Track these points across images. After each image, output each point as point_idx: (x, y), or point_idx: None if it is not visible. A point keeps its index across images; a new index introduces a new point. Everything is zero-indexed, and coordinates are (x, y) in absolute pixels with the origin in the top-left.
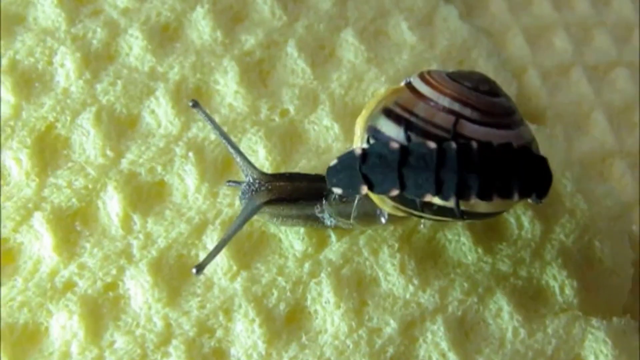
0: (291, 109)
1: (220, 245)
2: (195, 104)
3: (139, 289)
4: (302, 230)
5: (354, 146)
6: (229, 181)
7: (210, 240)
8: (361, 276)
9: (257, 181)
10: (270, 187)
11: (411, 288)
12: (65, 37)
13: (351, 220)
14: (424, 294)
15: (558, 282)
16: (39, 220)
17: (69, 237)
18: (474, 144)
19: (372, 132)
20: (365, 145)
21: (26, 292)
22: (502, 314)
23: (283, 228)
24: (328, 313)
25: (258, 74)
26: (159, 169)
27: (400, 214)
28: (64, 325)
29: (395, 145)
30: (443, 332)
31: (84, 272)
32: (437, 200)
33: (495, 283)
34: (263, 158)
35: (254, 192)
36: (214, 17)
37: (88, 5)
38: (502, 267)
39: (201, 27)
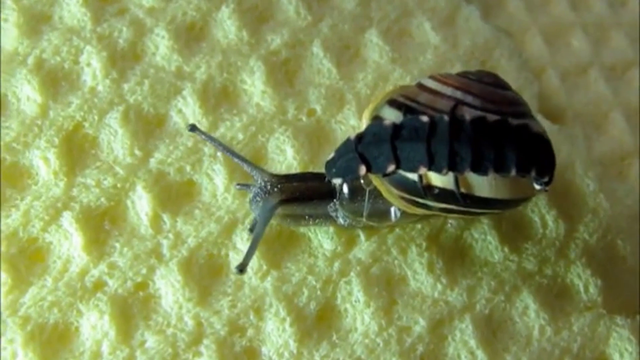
0: (318, 108)
1: (253, 246)
2: (193, 128)
3: (169, 289)
4: (331, 229)
5: None
6: (238, 184)
7: (240, 239)
8: (390, 275)
9: (268, 183)
10: (282, 187)
11: (439, 287)
12: (91, 36)
13: (363, 219)
14: (452, 292)
15: (582, 280)
16: (68, 219)
17: (98, 236)
18: (467, 117)
19: (375, 120)
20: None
21: (56, 291)
22: (529, 312)
23: (312, 228)
24: (358, 312)
25: (284, 74)
26: (188, 168)
27: (409, 209)
28: (94, 325)
29: (388, 122)
30: (471, 330)
31: (114, 272)
32: (435, 181)
33: (522, 282)
34: (291, 157)
35: (266, 195)
36: (239, 17)
37: (113, 5)
38: (528, 266)
39: (227, 26)
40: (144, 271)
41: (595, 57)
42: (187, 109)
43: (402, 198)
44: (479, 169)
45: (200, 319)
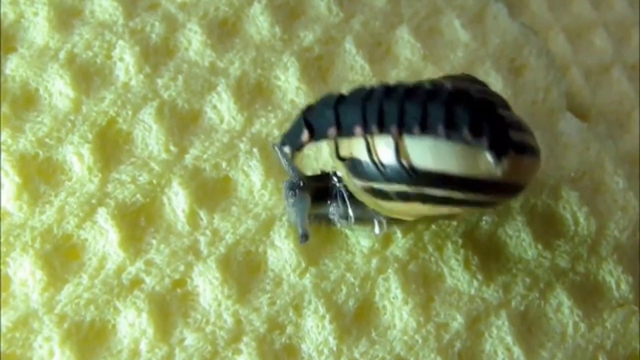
0: None
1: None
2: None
3: (208, 286)
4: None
5: None
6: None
7: (278, 236)
8: (427, 272)
9: (301, 181)
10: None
11: (475, 283)
12: (124, 30)
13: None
14: (487, 289)
15: (614, 277)
16: (103, 216)
17: (134, 233)
18: (405, 83)
19: None
20: None
21: (92, 289)
22: (563, 309)
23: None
24: (396, 308)
25: (318, 70)
26: (224, 164)
27: (378, 207)
28: (132, 323)
29: (336, 93)
30: (507, 326)
31: (151, 269)
32: (382, 156)
33: (555, 278)
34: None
35: (300, 190)
36: (271, 13)
37: None
38: (561, 263)
39: (259, 22)
40: (181, 268)
41: (617, 56)
42: (222, 104)
43: (364, 190)
44: (405, 127)
45: (239, 316)
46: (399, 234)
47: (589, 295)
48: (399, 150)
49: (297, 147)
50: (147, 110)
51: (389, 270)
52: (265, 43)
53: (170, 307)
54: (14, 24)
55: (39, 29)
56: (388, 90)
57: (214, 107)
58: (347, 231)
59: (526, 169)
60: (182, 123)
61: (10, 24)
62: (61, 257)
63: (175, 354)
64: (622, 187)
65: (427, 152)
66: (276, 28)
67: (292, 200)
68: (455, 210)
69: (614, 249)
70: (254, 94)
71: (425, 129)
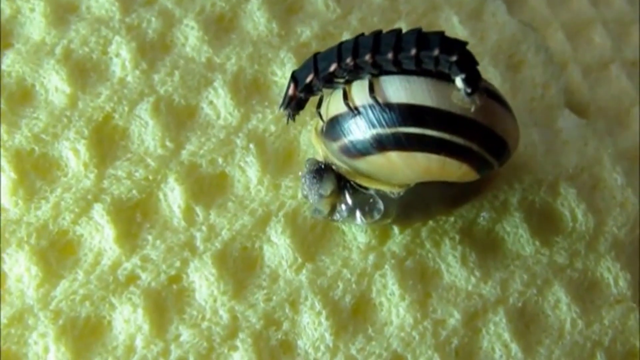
0: None
1: None
2: None
3: (203, 282)
4: None
5: None
6: None
7: (274, 232)
8: (424, 268)
9: (323, 164)
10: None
11: (473, 280)
12: (120, 26)
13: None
14: (485, 285)
15: (612, 274)
16: (99, 212)
17: (130, 229)
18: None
19: None
20: None
21: (88, 285)
22: (561, 306)
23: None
24: (393, 305)
25: None
26: (220, 160)
27: (357, 175)
28: (127, 319)
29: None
30: (505, 323)
31: (147, 265)
32: (357, 100)
33: (553, 275)
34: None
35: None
36: (268, 8)
37: None
38: (559, 259)
39: (256, 18)
40: (177, 264)
41: (616, 53)
42: (219, 100)
43: (342, 152)
44: (379, 52)
45: (235, 312)
46: (396, 230)
47: (587, 291)
48: (373, 88)
49: (288, 103)
50: (143, 106)
51: (386, 267)
52: (262, 39)
53: (165, 303)
54: (11, 20)
55: (35, 24)
56: (363, 34)
57: (211, 102)
58: (344, 227)
59: (499, 115)
60: (179, 119)
61: (6, 20)
62: (57, 253)
63: (170, 350)
64: (621, 184)
65: (400, 88)
66: (273, 24)
67: (317, 184)
68: (433, 160)
69: (612, 245)
70: (250, 89)
71: (398, 51)
